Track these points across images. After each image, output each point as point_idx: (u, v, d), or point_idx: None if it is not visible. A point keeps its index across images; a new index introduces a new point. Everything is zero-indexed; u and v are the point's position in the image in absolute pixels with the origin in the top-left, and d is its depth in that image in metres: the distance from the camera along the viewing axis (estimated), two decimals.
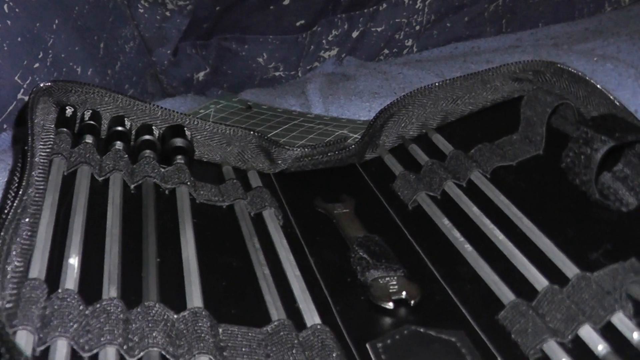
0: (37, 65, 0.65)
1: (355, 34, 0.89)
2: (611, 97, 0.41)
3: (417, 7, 0.88)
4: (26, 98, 0.63)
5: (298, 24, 0.86)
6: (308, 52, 0.88)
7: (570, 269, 0.33)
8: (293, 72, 0.89)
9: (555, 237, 0.36)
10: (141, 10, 0.82)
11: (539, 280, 0.33)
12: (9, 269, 0.29)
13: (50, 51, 0.66)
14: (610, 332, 0.30)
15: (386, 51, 0.90)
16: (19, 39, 0.63)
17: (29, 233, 0.32)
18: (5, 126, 0.62)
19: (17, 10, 0.63)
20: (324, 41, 0.88)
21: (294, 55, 0.88)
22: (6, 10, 0.61)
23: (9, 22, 0.62)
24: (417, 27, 0.89)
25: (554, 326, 0.30)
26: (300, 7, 0.85)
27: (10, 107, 0.63)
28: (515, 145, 0.45)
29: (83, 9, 0.71)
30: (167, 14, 0.84)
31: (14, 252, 0.30)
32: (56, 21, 0.67)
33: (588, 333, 0.30)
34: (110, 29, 0.76)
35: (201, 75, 0.89)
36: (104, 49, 0.74)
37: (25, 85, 0.63)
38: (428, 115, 0.50)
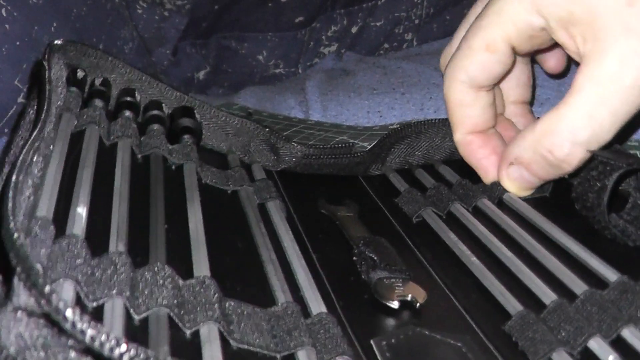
0: None
1: (354, 29, 0.88)
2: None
3: (415, 0, 0.88)
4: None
5: (297, 20, 0.86)
6: (308, 49, 0.88)
7: (579, 286, 0.33)
8: (293, 69, 0.89)
9: (564, 261, 0.35)
10: (139, 11, 0.82)
11: (547, 294, 0.33)
12: (21, 199, 0.28)
13: None
14: (620, 345, 0.30)
15: (386, 45, 0.90)
16: (18, 43, 0.63)
17: (40, 171, 0.31)
18: (6, 130, 0.62)
19: (15, 14, 0.63)
20: (323, 37, 0.88)
21: (293, 52, 0.88)
22: (4, 14, 0.62)
23: (7, 26, 0.62)
24: (417, 21, 0.89)
25: (563, 338, 0.30)
26: (299, 3, 0.85)
27: (11, 111, 0.63)
28: None
29: (81, 11, 0.71)
30: (166, 13, 0.84)
31: (26, 185, 0.29)
32: (54, 24, 0.67)
33: (598, 344, 0.29)
34: (108, 30, 0.76)
35: (201, 74, 0.89)
36: (103, 50, 0.74)
37: (25, 89, 0.63)
38: (437, 147, 0.49)
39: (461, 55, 0.44)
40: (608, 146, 0.40)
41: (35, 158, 0.32)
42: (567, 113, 0.39)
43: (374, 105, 0.61)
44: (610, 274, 0.34)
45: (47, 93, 0.37)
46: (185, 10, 0.84)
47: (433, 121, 0.49)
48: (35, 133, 0.32)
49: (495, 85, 0.46)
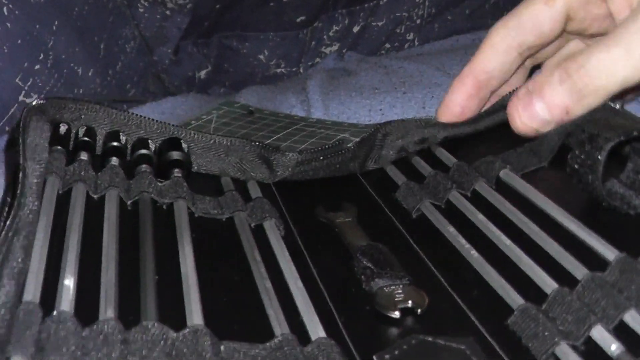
0: (37, 67, 0.65)
1: (356, 29, 0.89)
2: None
3: (417, 0, 0.88)
4: (28, 100, 0.63)
5: (298, 20, 0.86)
6: (309, 48, 0.88)
7: (579, 270, 0.33)
8: (295, 69, 0.89)
9: (563, 241, 0.35)
10: (141, 10, 0.82)
11: (548, 283, 0.32)
12: (1, 293, 0.28)
13: (50, 53, 0.66)
14: (623, 331, 0.29)
15: (388, 45, 0.90)
16: (19, 41, 0.63)
17: (22, 256, 0.31)
18: (7, 129, 0.62)
19: (16, 12, 0.63)
20: (324, 37, 0.88)
21: (295, 51, 0.88)
22: (5, 13, 0.62)
23: (8, 24, 0.62)
24: (418, 21, 0.89)
25: (565, 329, 0.30)
26: (300, 3, 0.85)
27: (12, 110, 0.63)
28: (521, 157, 0.44)
29: (83, 10, 0.71)
30: (168, 13, 0.84)
31: (6, 277, 0.29)
32: (56, 22, 0.67)
33: (600, 334, 0.29)
34: (110, 29, 0.76)
35: (203, 73, 0.89)
36: (104, 49, 0.74)
37: (26, 87, 0.63)
38: (432, 131, 0.49)
39: (520, 7, 0.45)
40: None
41: (14, 242, 0.32)
42: (591, 48, 0.39)
43: (375, 104, 0.61)
44: (609, 253, 0.33)
45: (21, 165, 0.36)
46: (187, 9, 0.84)
47: (422, 119, 0.49)
48: (8, 222, 0.32)
49: (529, 54, 0.47)
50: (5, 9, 0.61)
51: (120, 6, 0.79)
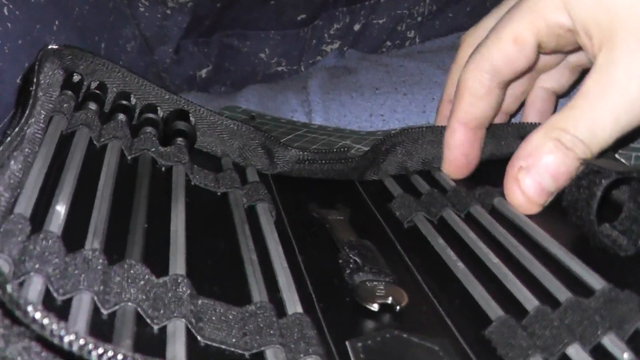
0: None
1: (357, 27, 0.88)
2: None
3: None
4: None
5: (299, 18, 0.86)
6: (310, 47, 0.88)
7: (563, 293, 0.33)
8: (296, 67, 0.89)
9: (550, 266, 0.35)
10: (142, 9, 0.82)
11: (530, 301, 0.32)
12: None
13: None
14: (599, 353, 0.29)
15: (388, 43, 0.90)
16: (20, 42, 0.63)
17: (20, 169, 0.32)
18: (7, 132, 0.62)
19: (17, 12, 0.63)
20: (325, 35, 0.88)
21: (296, 49, 0.88)
22: (6, 13, 0.62)
23: (9, 24, 0.62)
24: (419, 18, 0.89)
25: (542, 344, 0.30)
26: (301, 1, 0.85)
27: (14, 111, 0.63)
28: None
29: (83, 10, 0.71)
30: (168, 12, 0.84)
31: (2, 184, 0.30)
32: (56, 22, 0.67)
33: (576, 352, 0.29)
34: (110, 29, 0.76)
35: (204, 72, 0.89)
36: (105, 49, 0.74)
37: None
38: (435, 154, 0.49)
39: (488, 45, 0.44)
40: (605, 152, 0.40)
41: (14, 157, 0.32)
42: (571, 114, 0.40)
43: (376, 108, 0.61)
44: (596, 283, 0.33)
45: (32, 93, 0.37)
46: (188, 8, 0.84)
47: (429, 128, 0.49)
48: (15, 131, 0.32)
49: (510, 83, 0.47)
50: (5, 9, 0.61)
51: (121, 6, 0.78)
